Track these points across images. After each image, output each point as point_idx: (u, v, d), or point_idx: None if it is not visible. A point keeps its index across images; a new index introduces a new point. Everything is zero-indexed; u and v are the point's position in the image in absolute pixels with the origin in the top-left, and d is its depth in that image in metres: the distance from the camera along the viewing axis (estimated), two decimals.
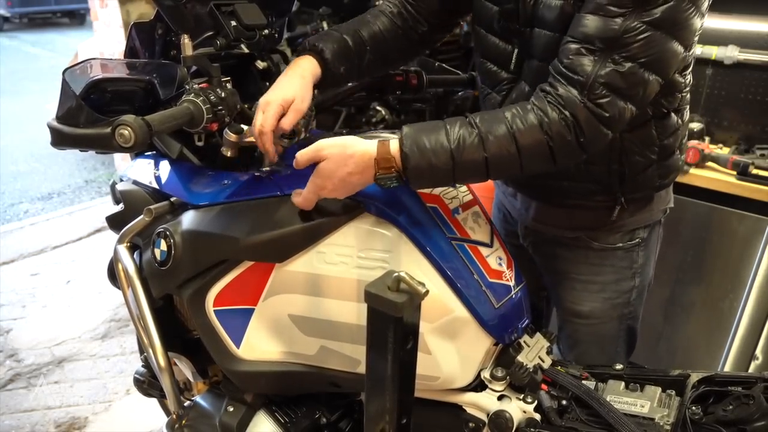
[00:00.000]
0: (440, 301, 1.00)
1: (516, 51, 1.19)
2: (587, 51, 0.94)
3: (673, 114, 1.18)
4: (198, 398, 1.32)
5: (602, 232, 1.28)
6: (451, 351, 1.03)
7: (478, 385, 1.08)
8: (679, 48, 0.96)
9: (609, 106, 0.94)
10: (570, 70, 0.95)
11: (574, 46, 0.96)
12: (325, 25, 4.18)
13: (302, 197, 1.01)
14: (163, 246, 1.14)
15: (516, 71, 1.20)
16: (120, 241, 1.23)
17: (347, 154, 0.96)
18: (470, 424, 1.07)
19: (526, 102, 0.98)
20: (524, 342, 1.11)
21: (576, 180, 1.22)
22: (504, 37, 1.20)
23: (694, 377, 1.05)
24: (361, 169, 0.96)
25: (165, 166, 1.26)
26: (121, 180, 1.37)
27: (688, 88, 1.20)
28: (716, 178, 1.91)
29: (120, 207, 1.31)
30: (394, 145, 0.95)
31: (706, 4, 0.98)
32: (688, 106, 1.25)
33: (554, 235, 1.33)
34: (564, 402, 1.06)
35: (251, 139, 1.14)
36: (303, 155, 0.99)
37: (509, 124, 0.95)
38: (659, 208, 1.30)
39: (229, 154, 1.14)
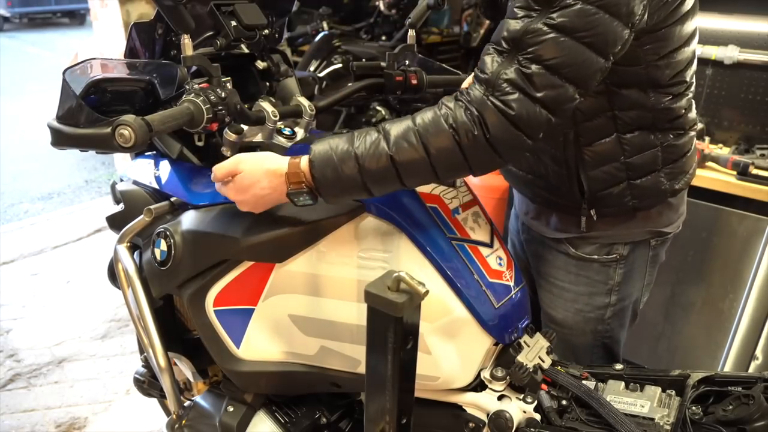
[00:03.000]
0: (440, 301, 1.00)
1: None
2: (495, 51, 0.94)
3: (647, 132, 1.14)
4: (198, 398, 1.32)
5: (579, 240, 1.27)
6: (451, 351, 1.03)
7: (478, 385, 1.08)
8: (593, 56, 0.92)
9: (515, 103, 0.90)
10: (479, 69, 0.95)
11: (485, 47, 0.96)
12: (325, 25, 4.19)
13: (226, 194, 1.03)
14: (163, 246, 1.14)
15: None
16: (120, 241, 1.23)
17: (262, 171, 0.98)
18: (470, 424, 1.07)
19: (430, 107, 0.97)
20: (524, 342, 1.11)
21: (546, 179, 1.23)
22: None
23: (694, 377, 1.05)
24: (274, 185, 0.97)
25: (165, 166, 1.26)
26: (121, 180, 1.37)
27: (668, 110, 1.13)
28: (716, 178, 1.91)
29: (120, 207, 1.31)
30: (304, 160, 0.96)
31: (630, 13, 0.92)
32: (682, 132, 1.18)
33: (540, 234, 1.34)
34: (564, 402, 1.06)
35: (251, 139, 1.14)
36: (220, 169, 1.01)
37: (413, 121, 0.94)
38: (644, 228, 1.26)
39: (229, 154, 1.13)
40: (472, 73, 0.98)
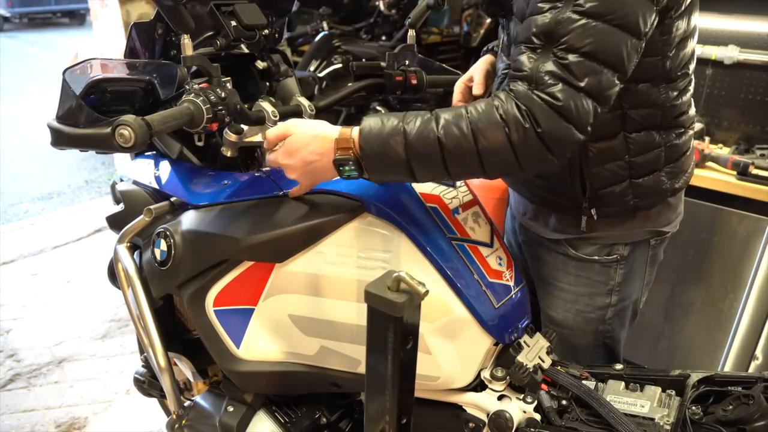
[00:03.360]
0: (440, 301, 1.00)
1: (505, 38, 1.22)
2: (527, 49, 0.94)
3: (653, 132, 1.15)
4: (198, 398, 1.32)
5: (578, 240, 1.26)
6: (451, 351, 1.03)
7: (478, 385, 1.08)
8: (625, 36, 0.92)
9: (560, 93, 0.90)
10: (515, 69, 0.95)
11: (517, 48, 0.97)
12: (325, 25, 4.19)
13: (273, 160, 1.03)
14: (163, 246, 1.14)
15: (509, 58, 1.22)
16: (120, 241, 1.23)
17: (311, 134, 0.98)
18: (470, 424, 1.07)
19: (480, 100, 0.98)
20: (524, 342, 1.11)
21: (546, 179, 1.23)
22: (502, 26, 1.24)
23: (694, 377, 1.05)
24: (323, 150, 0.97)
25: (165, 166, 1.26)
26: (121, 180, 1.37)
27: (674, 107, 1.15)
28: (716, 178, 1.91)
29: (120, 207, 1.31)
30: (355, 129, 0.96)
31: None
32: (683, 131, 1.19)
33: (539, 235, 1.33)
34: (564, 402, 1.06)
35: (251, 139, 1.14)
36: (272, 131, 1.02)
37: (466, 109, 0.93)
38: (643, 228, 1.25)
39: (229, 154, 1.14)
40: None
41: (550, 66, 0.91)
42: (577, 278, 1.30)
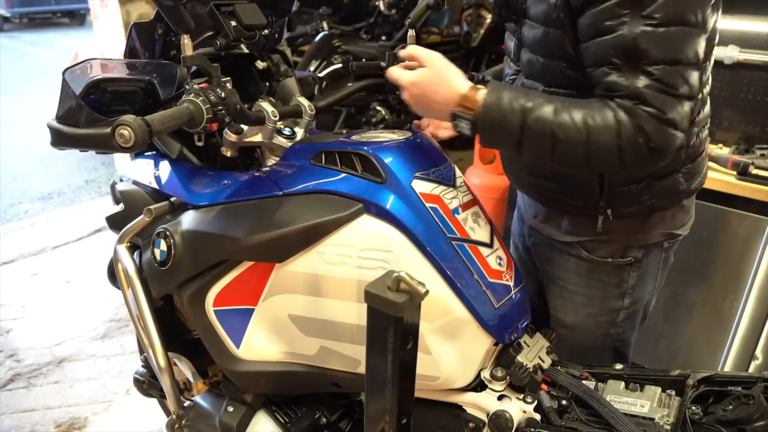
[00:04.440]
0: (440, 301, 1.00)
1: (515, 41, 1.22)
2: (612, 70, 0.95)
3: None
4: (198, 398, 1.32)
5: (592, 243, 1.26)
6: (451, 351, 1.03)
7: (478, 385, 1.08)
8: (695, 30, 0.95)
9: (664, 106, 0.93)
10: (608, 90, 0.96)
11: (598, 72, 0.98)
12: (325, 25, 4.19)
13: (395, 73, 1.08)
14: (163, 246, 1.14)
15: (518, 63, 1.22)
16: (120, 241, 1.23)
17: (444, 77, 1.03)
18: (470, 424, 1.07)
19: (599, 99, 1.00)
20: (524, 342, 1.11)
21: (561, 182, 1.22)
22: (511, 30, 1.24)
23: (694, 377, 1.04)
24: (447, 98, 1.02)
25: (165, 166, 1.26)
26: (121, 180, 1.37)
27: (700, 103, 1.17)
28: (716, 178, 1.91)
29: (120, 207, 1.31)
30: (482, 92, 1.00)
31: None
32: (699, 130, 1.21)
33: (550, 237, 1.33)
34: (564, 402, 1.06)
35: (251, 139, 1.14)
36: (418, 49, 1.08)
37: (586, 104, 0.97)
38: (658, 231, 1.25)
39: (229, 154, 1.14)
40: None
41: (644, 81, 0.93)
42: (590, 281, 1.29)
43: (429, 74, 1.04)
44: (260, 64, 1.30)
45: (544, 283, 1.41)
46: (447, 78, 1.03)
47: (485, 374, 1.07)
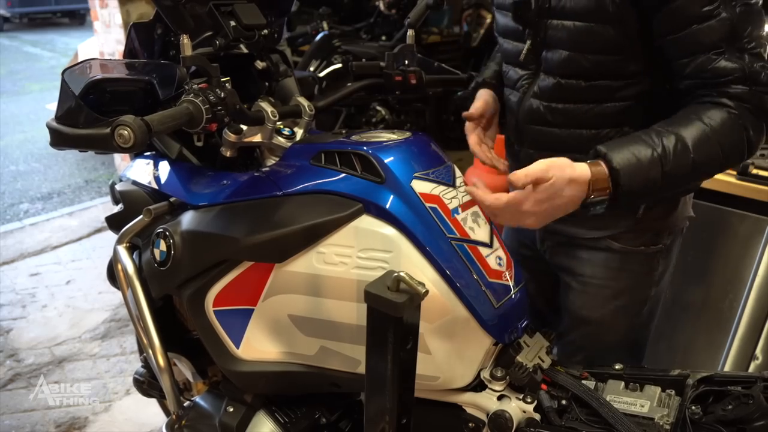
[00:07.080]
0: (440, 301, 1.00)
1: (528, 44, 1.19)
2: (717, 55, 0.97)
3: None
4: (198, 398, 1.32)
5: (626, 233, 1.24)
6: (451, 351, 1.03)
7: (477, 385, 1.08)
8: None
9: None
10: (715, 76, 0.97)
11: (701, 59, 0.98)
12: (325, 25, 4.19)
13: (523, 207, 0.99)
14: (163, 246, 1.14)
15: (531, 65, 1.21)
16: (119, 242, 1.23)
17: (566, 179, 0.95)
18: (470, 424, 1.07)
19: (700, 104, 1.00)
20: (524, 342, 1.11)
21: None
22: (516, 34, 1.23)
23: (694, 377, 1.04)
24: (573, 194, 0.96)
25: (164, 167, 1.26)
26: (121, 180, 1.37)
27: None
28: (716, 178, 1.90)
29: (120, 207, 1.31)
30: (603, 167, 0.96)
31: None
32: None
33: (573, 236, 1.30)
34: (564, 402, 1.05)
35: (250, 139, 1.14)
36: (529, 175, 0.96)
37: (703, 122, 0.97)
38: (684, 215, 1.27)
39: (228, 154, 1.14)
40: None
41: (751, 59, 0.95)
42: (619, 272, 1.28)
43: (551, 187, 0.96)
44: (260, 64, 1.30)
45: (566, 282, 1.38)
46: (569, 178, 0.95)
47: (485, 374, 1.07)
